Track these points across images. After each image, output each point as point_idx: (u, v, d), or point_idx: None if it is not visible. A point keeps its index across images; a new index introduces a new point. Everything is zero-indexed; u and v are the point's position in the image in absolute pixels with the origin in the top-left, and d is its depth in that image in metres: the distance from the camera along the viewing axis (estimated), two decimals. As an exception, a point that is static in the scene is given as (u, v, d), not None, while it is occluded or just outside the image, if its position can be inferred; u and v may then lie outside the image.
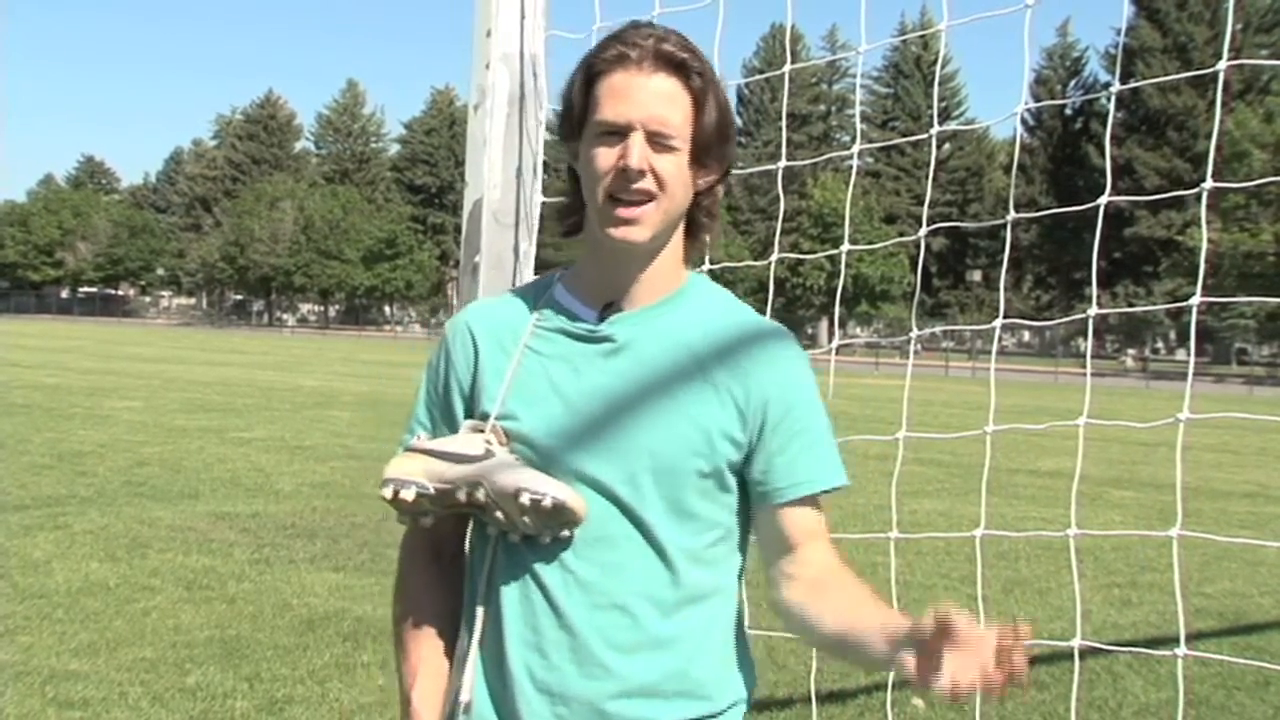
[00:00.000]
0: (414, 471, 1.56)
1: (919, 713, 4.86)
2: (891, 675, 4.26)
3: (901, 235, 48.71)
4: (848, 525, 6.55)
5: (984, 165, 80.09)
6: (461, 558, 1.67)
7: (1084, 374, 27.46)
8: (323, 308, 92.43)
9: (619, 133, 1.49)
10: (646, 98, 1.49)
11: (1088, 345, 3.28)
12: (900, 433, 2.99)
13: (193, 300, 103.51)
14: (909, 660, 1.29)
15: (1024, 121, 75.43)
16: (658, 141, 1.49)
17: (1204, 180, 2.61)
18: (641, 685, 1.51)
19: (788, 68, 3.15)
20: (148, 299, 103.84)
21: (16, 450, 11.55)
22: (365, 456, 12.28)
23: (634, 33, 1.52)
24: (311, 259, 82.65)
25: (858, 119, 3.76)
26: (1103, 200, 2.71)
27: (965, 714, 4.81)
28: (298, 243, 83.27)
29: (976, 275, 73.59)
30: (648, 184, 1.49)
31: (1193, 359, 3.43)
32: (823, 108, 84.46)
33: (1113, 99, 3.42)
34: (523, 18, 2.37)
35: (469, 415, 1.61)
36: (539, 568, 1.52)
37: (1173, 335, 73.61)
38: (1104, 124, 69.54)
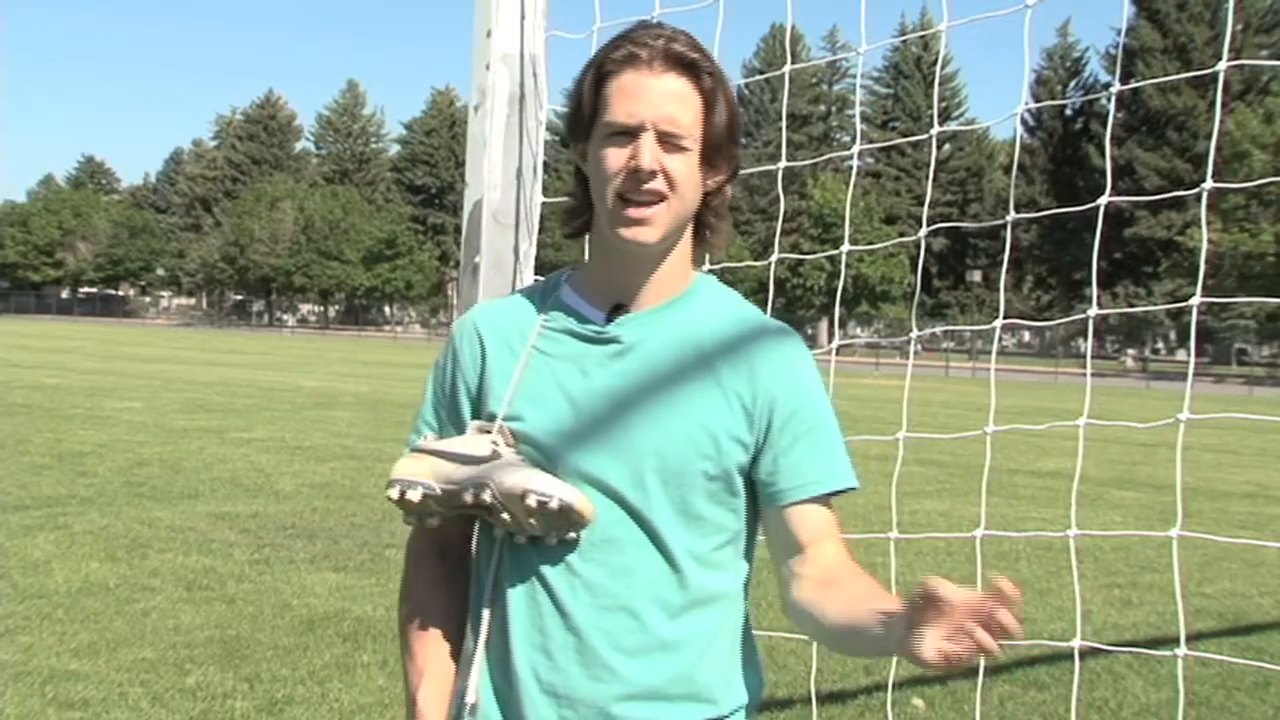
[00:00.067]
0: (420, 472, 1.56)
1: (919, 713, 4.86)
2: (891, 675, 4.26)
3: (902, 235, 48.72)
4: (848, 525, 6.53)
5: (984, 165, 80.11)
6: (468, 559, 1.66)
7: (1084, 374, 27.46)
8: (323, 308, 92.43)
9: (630, 133, 1.48)
10: (657, 98, 1.48)
11: (1088, 345, 3.28)
12: (900, 433, 2.99)
13: (193, 300, 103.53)
14: (905, 638, 1.29)
15: (1024, 122, 75.48)
16: (669, 141, 1.48)
17: (1204, 181, 2.61)
18: (647, 688, 1.50)
19: (788, 68, 3.15)
20: (148, 299, 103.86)
21: (16, 450, 11.55)
22: (365, 456, 12.28)
23: (644, 33, 1.52)
24: (311, 259, 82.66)
25: (858, 119, 3.76)
26: (1103, 201, 2.71)
27: (965, 714, 4.81)
28: (298, 243, 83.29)
29: (976, 275, 73.60)
30: (659, 184, 1.48)
31: (1193, 359, 3.43)
32: (823, 108, 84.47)
33: (1113, 99, 3.41)
34: (523, 18, 2.37)
35: (476, 416, 1.60)
36: (545, 569, 1.52)
37: (1173, 335, 73.64)
38: (1104, 124, 69.54)
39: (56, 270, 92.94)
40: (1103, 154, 26.21)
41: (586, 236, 1.63)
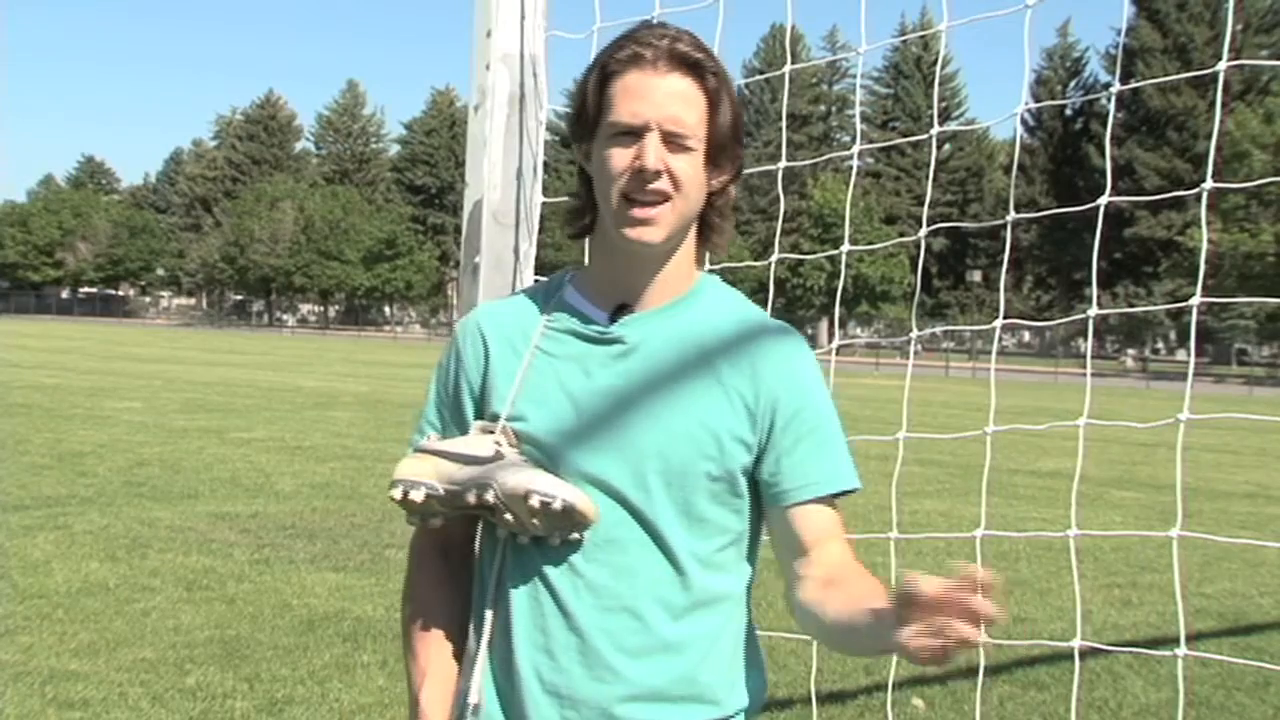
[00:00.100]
0: (423, 473, 1.55)
1: (919, 713, 4.86)
2: (891, 675, 4.26)
3: (902, 235, 48.71)
4: (848, 525, 6.53)
5: (984, 166, 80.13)
6: (471, 559, 1.66)
7: (1084, 374, 27.47)
8: (323, 308, 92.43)
9: (634, 133, 1.48)
10: (662, 98, 1.48)
11: (1088, 345, 3.28)
12: (900, 433, 2.98)
13: (193, 300, 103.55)
14: (892, 636, 1.28)
15: (1024, 122, 75.51)
16: (673, 141, 1.48)
17: (1204, 181, 2.61)
18: (650, 689, 1.50)
19: (788, 68, 3.15)
20: (148, 299, 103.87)
21: (16, 450, 11.55)
22: (365, 456, 12.29)
23: (648, 33, 1.51)
24: (311, 259, 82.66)
25: (858, 119, 3.76)
26: (1103, 201, 2.71)
27: (965, 714, 4.81)
28: (298, 243, 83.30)
29: (976, 275, 73.62)
30: (664, 184, 1.48)
31: (1193, 359, 3.43)
32: (823, 108, 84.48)
33: (1113, 99, 3.41)
34: (523, 18, 2.37)
35: (479, 416, 1.60)
36: (548, 570, 1.52)
37: (1173, 335, 73.66)
38: (1104, 124, 69.55)
39: (56, 270, 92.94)
40: (1103, 154, 26.20)
41: (588, 237, 1.63)
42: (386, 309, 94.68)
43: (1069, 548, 4.78)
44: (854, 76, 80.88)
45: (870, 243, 54.08)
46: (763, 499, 1.57)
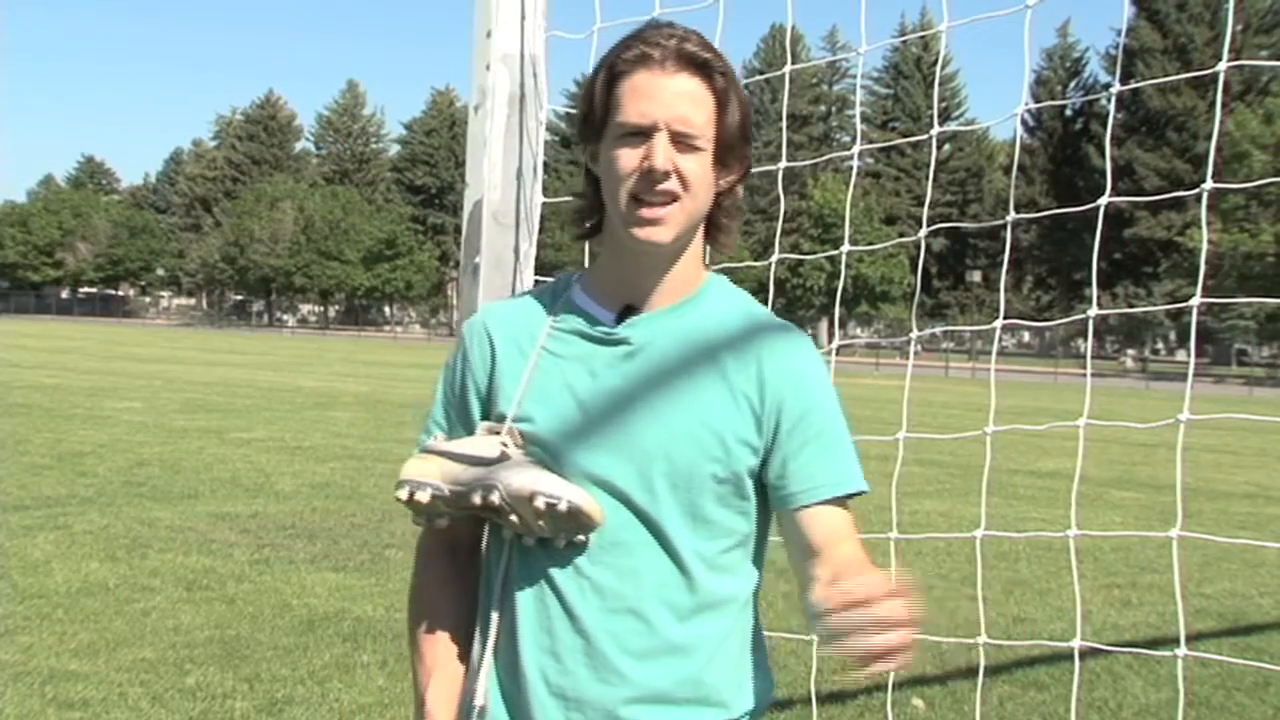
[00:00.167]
0: (429, 473, 1.55)
1: (919, 713, 4.86)
2: (891, 675, 4.28)
3: (901, 236, 48.71)
4: (848, 526, 6.53)
5: (984, 166, 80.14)
6: (478, 560, 1.66)
7: (1084, 374, 27.46)
8: (323, 308, 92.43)
9: (643, 133, 1.47)
10: (670, 98, 1.47)
11: (1088, 346, 3.28)
12: (900, 433, 2.98)
13: (193, 300, 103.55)
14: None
15: (1024, 122, 75.54)
16: (682, 142, 1.48)
17: (1204, 181, 2.61)
18: (655, 691, 1.50)
19: (788, 68, 3.15)
20: (148, 299, 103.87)
21: (16, 450, 11.55)
22: (365, 456, 12.28)
23: (655, 32, 1.51)
24: (311, 259, 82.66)
25: (858, 120, 3.76)
26: (1103, 201, 2.71)
27: (965, 714, 4.81)
28: (298, 243, 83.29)
29: (976, 276, 73.63)
30: (672, 185, 1.48)
31: (1193, 360, 3.43)
32: (823, 108, 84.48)
33: (1113, 100, 3.41)
34: (523, 18, 2.37)
35: (485, 417, 1.60)
36: (554, 572, 1.52)
37: (1173, 336, 73.68)
38: (1104, 125, 69.55)
39: (56, 270, 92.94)
40: (1103, 154, 26.18)
41: (595, 238, 1.62)
42: (386, 309, 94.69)
43: (1069, 548, 4.78)
44: (854, 76, 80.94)
45: (870, 243, 54.10)
46: (771, 502, 1.56)
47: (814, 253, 34.88)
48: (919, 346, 4.19)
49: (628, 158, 1.48)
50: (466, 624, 1.62)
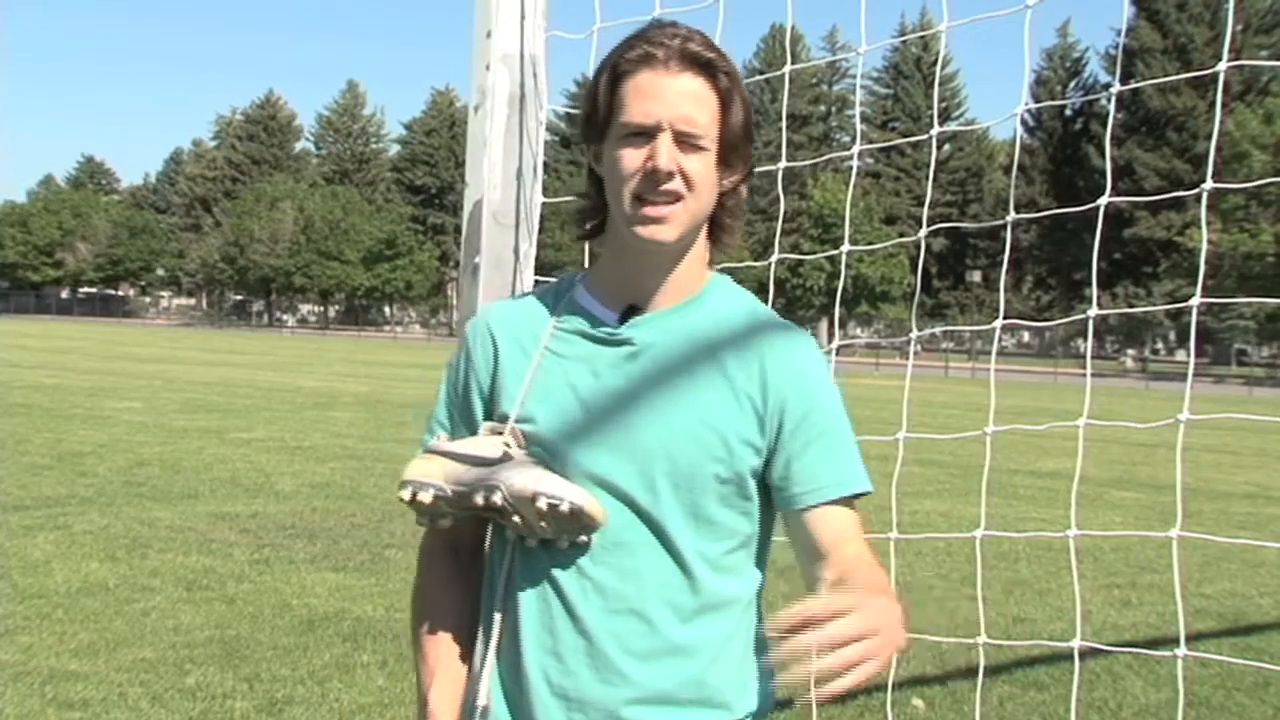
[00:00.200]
0: (432, 473, 1.55)
1: (919, 713, 4.86)
2: (891, 675, 4.27)
3: (901, 236, 48.70)
4: (848, 526, 6.54)
5: (984, 166, 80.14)
6: (481, 560, 1.66)
7: (1084, 374, 27.43)
8: (323, 308, 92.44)
9: (646, 133, 1.47)
10: (674, 98, 1.47)
11: (1087, 346, 3.28)
12: (900, 433, 2.98)
13: (193, 300, 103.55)
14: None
15: (1024, 122, 75.54)
16: (686, 142, 1.47)
17: (1204, 181, 2.61)
18: (657, 692, 1.50)
19: (788, 68, 3.15)
20: (148, 299, 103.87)
21: (16, 450, 11.55)
22: (365, 456, 12.28)
23: (659, 32, 1.50)
24: (311, 259, 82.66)
25: (858, 120, 3.76)
26: (1103, 201, 2.71)
27: (965, 714, 4.81)
28: (298, 243, 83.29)
29: (976, 276, 73.64)
30: (676, 185, 1.47)
31: (1192, 360, 3.43)
32: (823, 108, 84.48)
33: (1113, 100, 3.41)
34: (523, 18, 2.37)
35: (488, 417, 1.60)
36: (556, 572, 1.51)
37: (1172, 336, 73.69)
38: (1104, 125, 69.56)
39: (56, 270, 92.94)
40: (1103, 154, 26.19)
41: (598, 238, 1.62)
42: (386, 309, 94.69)
43: (1069, 548, 4.78)
44: (854, 77, 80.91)
45: (870, 243, 54.09)
46: (775, 503, 1.56)
47: (814, 253, 34.89)
48: (919, 346, 4.19)
49: (631, 158, 1.48)
50: (469, 625, 1.61)
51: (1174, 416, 2.58)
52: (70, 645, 5.29)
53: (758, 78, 6.36)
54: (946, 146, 77.54)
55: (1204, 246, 2.97)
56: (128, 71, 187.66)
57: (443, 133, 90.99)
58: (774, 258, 2.97)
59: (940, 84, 64.25)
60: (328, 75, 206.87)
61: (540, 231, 2.44)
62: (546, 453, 1.52)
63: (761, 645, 1.61)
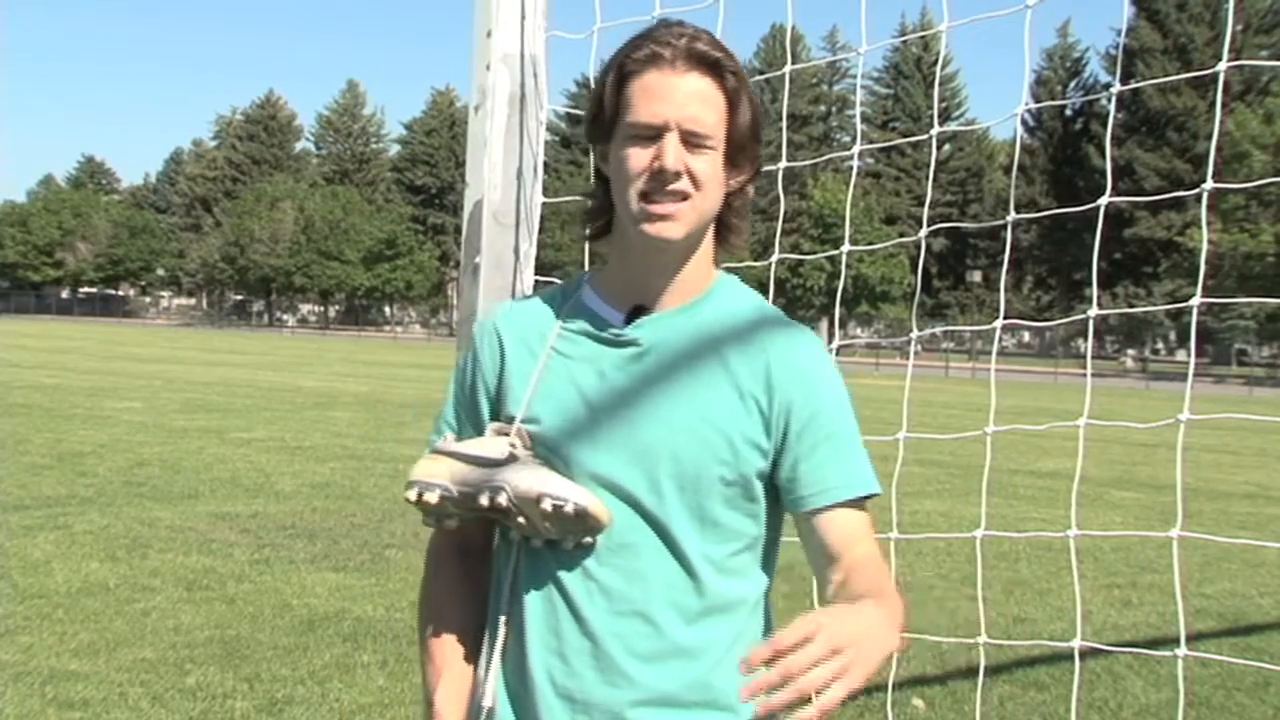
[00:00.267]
0: (438, 474, 1.55)
1: (919, 713, 4.86)
2: (891, 675, 4.27)
3: (902, 236, 48.71)
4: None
5: (984, 166, 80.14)
6: (489, 561, 1.65)
7: (1084, 374, 27.45)
8: (323, 308, 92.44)
9: (653, 133, 1.47)
10: (681, 97, 1.46)
11: (1088, 346, 3.28)
12: (900, 433, 2.98)
13: (193, 300, 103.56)
14: None
15: (1024, 122, 75.57)
16: (693, 142, 1.47)
17: (1204, 181, 2.61)
18: (662, 694, 1.49)
19: (788, 68, 3.15)
20: (148, 299, 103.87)
21: (16, 450, 11.55)
22: (365, 456, 12.28)
23: (665, 32, 1.50)
24: (311, 259, 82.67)
25: (858, 120, 3.77)
26: (1103, 201, 2.71)
27: (965, 714, 4.81)
28: (298, 243, 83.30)
29: (976, 276, 73.63)
30: (683, 185, 1.47)
31: (1193, 360, 3.43)
32: (823, 108, 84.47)
33: (1113, 100, 3.41)
34: (523, 18, 2.37)
35: (495, 417, 1.60)
36: (561, 574, 1.51)
37: (1173, 336, 73.71)
38: (1104, 125, 69.58)
39: (56, 270, 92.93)
40: (1103, 154, 26.18)
41: (605, 238, 1.61)
42: (386, 309, 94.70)
43: (1069, 548, 4.78)
44: (854, 77, 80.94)
45: (870, 243, 54.11)
46: (784, 505, 1.55)
47: (814, 253, 34.88)
48: (919, 346, 4.18)
49: (638, 157, 1.47)
50: (476, 626, 1.61)
51: (1174, 416, 2.58)
52: (70, 645, 5.29)
53: (758, 78, 6.36)
54: (946, 146, 77.54)
55: (1204, 246, 2.97)
56: (128, 71, 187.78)
57: (443, 133, 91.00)
58: (774, 258, 2.97)
59: (940, 84, 64.21)
60: (328, 75, 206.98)
61: (540, 231, 2.44)
62: (552, 453, 1.52)
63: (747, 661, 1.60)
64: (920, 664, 5.37)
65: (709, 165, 1.48)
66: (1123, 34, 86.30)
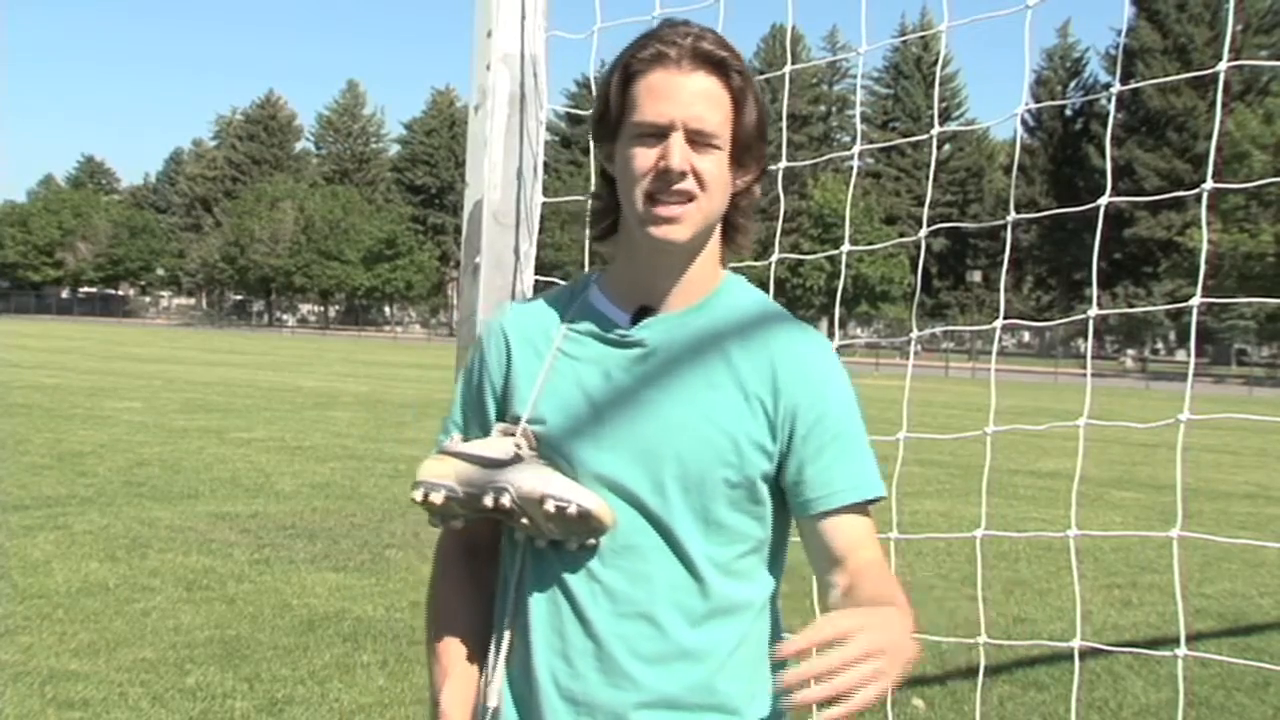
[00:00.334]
0: (444, 474, 1.54)
1: (919, 713, 4.86)
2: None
3: (902, 236, 48.72)
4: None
5: (984, 166, 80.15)
6: (496, 561, 1.65)
7: (1084, 374, 27.46)
8: (323, 308, 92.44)
9: (659, 133, 1.46)
10: (687, 97, 1.46)
11: (1088, 346, 3.28)
12: (900, 433, 2.98)
13: (193, 300, 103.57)
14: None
15: (1024, 122, 75.57)
16: (698, 141, 1.46)
17: (1204, 181, 2.61)
18: (665, 696, 1.49)
19: (788, 68, 3.15)
20: (148, 299, 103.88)
21: (16, 450, 11.55)
22: (365, 456, 12.28)
23: (671, 31, 1.49)
24: (311, 259, 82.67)
25: (858, 120, 3.76)
26: (1103, 201, 2.71)
27: (965, 714, 4.81)
28: (298, 243, 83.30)
29: (977, 276, 73.64)
30: (689, 185, 1.46)
31: (1193, 360, 3.43)
32: (823, 108, 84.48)
33: (1113, 100, 3.41)
34: (523, 18, 2.37)
35: (501, 418, 1.59)
36: (566, 575, 1.51)
37: (1172, 336, 73.71)
38: (1104, 125, 69.58)
39: (56, 270, 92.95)
40: (1103, 154, 26.18)
41: (610, 239, 1.61)
42: (386, 309, 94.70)
43: (1069, 548, 4.78)
44: (854, 77, 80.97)
45: (870, 243, 54.13)
46: (789, 508, 1.54)
47: (814, 253, 34.87)
48: (919, 346, 4.18)
49: (644, 157, 1.47)
50: (482, 626, 1.61)
51: (1174, 416, 2.58)
52: (70, 645, 5.29)
53: (758, 78, 6.36)
54: (946, 146, 77.54)
55: (1204, 246, 2.96)
56: (128, 71, 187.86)
57: (443, 133, 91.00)
58: (774, 258, 2.97)
59: (940, 84, 64.01)
60: (328, 75, 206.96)
61: (540, 231, 2.44)
62: (557, 454, 1.52)
63: (774, 653, 1.59)
64: (920, 664, 5.37)
65: (715, 165, 1.48)
66: (1123, 34, 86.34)
